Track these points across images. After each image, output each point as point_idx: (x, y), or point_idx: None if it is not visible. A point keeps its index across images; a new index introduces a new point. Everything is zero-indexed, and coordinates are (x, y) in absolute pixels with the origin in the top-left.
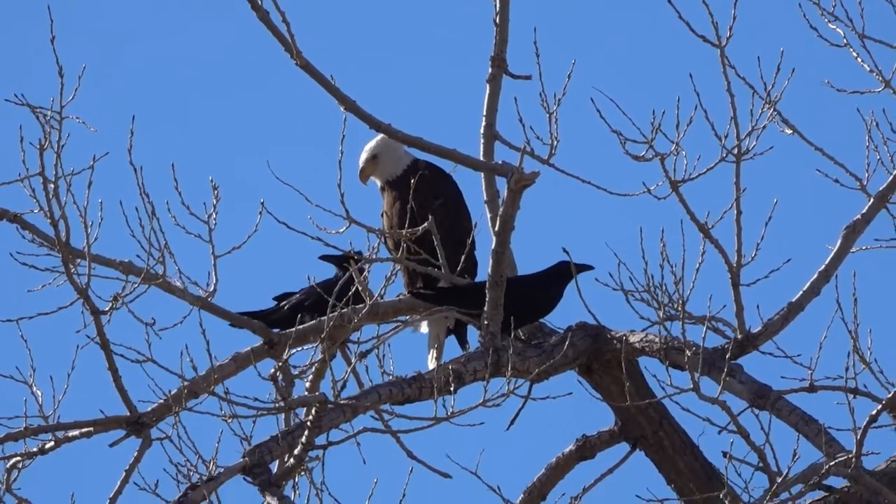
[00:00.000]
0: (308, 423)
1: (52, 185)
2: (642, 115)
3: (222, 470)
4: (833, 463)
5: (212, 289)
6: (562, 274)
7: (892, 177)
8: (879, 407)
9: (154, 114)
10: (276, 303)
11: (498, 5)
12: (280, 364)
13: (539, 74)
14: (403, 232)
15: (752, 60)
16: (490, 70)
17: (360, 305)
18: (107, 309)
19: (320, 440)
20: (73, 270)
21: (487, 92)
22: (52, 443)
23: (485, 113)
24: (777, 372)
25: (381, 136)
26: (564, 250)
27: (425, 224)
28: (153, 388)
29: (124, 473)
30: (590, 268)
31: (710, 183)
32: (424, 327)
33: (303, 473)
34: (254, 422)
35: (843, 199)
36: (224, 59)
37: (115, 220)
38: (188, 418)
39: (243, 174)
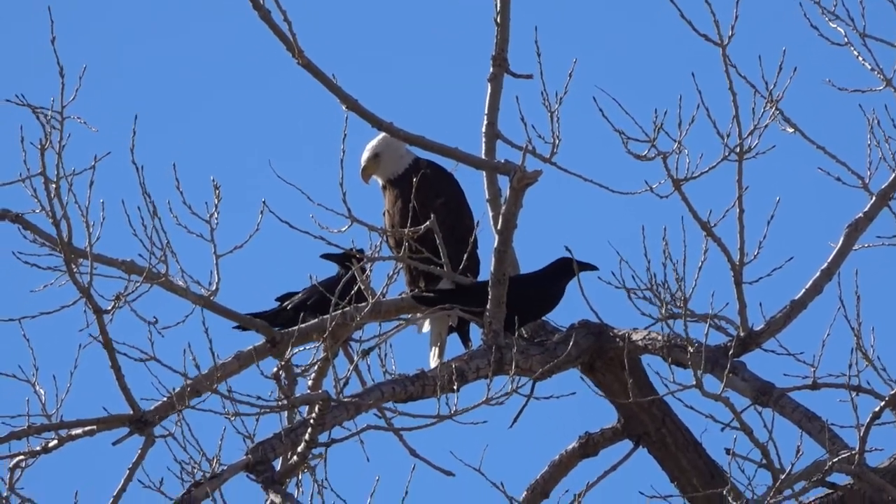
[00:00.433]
0: (311, 421)
1: (54, 185)
2: (644, 113)
3: (225, 467)
4: (836, 460)
5: (214, 288)
6: (564, 270)
7: (894, 175)
8: (882, 404)
9: (155, 113)
10: (278, 303)
11: (499, 4)
12: (283, 362)
13: (540, 73)
14: (405, 231)
15: (754, 59)
16: (491, 69)
17: (363, 304)
18: (109, 308)
19: (323, 438)
20: (75, 270)
21: (489, 91)
22: (56, 441)
23: (486, 112)
24: (780, 369)
25: (382, 134)
26: (567, 249)
27: (427, 223)
28: (156, 386)
29: (128, 471)
30: (593, 267)
31: (712, 181)
32: (426, 326)
33: (306, 471)
34: (257, 420)
35: (845, 197)
36: (226, 58)
37: (116, 220)
38: (191, 416)
39: (245, 173)
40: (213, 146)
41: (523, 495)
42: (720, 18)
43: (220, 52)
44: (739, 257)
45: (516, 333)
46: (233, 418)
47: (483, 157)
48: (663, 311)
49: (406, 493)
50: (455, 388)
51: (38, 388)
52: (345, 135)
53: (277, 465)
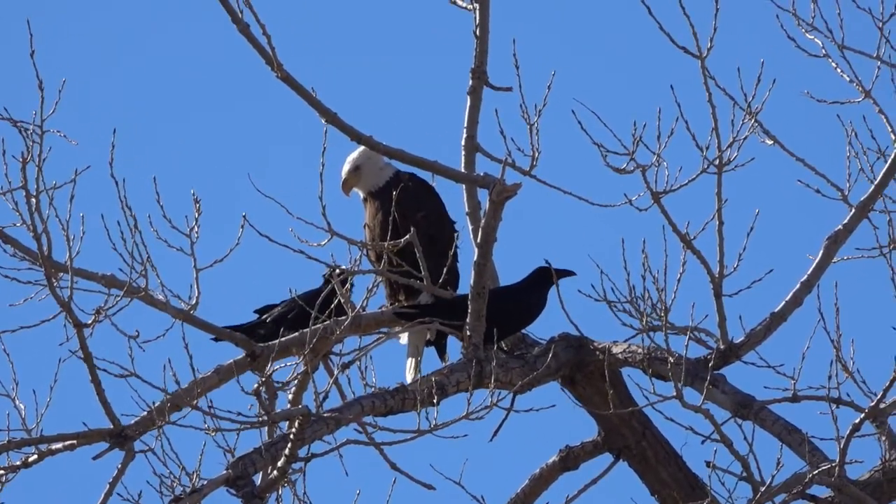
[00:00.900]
0: (291, 436)
1: (35, 199)
2: (623, 126)
3: (206, 482)
4: (816, 472)
5: (194, 302)
6: (542, 280)
7: (873, 187)
8: (862, 416)
9: (135, 127)
10: (257, 316)
11: (478, 17)
12: (263, 377)
13: (519, 86)
14: (385, 244)
15: (733, 71)
16: (470, 82)
17: (343, 317)
18: (89, 322)
19: (303, 452)
20: (55, 284)
21: (468, 104)
22: (36, 456)
23: (466, 125)
24: (760, 382)
25: (363, 147)
26: (546, 261)
27: (407, 236)
28: (136, 400)
29: (108, 486)
30: (571, 273)
31: (691, 194)
32: (404, 338)
33: (286, 485)
34: (237, 434)
35: (824, 209)
36: (204, 72)
37: (97, 234)
38: (172, 431)
39: (225, 187)
40: (192, 160)
41: None
42: (699, 31)
43: (199, 65)
44: (719, 270)
45: (496, 346)
46: (213, 433)
47: (462, 170)
48: (643, 324)
49: None
50: (435, 401)
51: (17, 402)
52: (324, 148)
53: (258, 479)
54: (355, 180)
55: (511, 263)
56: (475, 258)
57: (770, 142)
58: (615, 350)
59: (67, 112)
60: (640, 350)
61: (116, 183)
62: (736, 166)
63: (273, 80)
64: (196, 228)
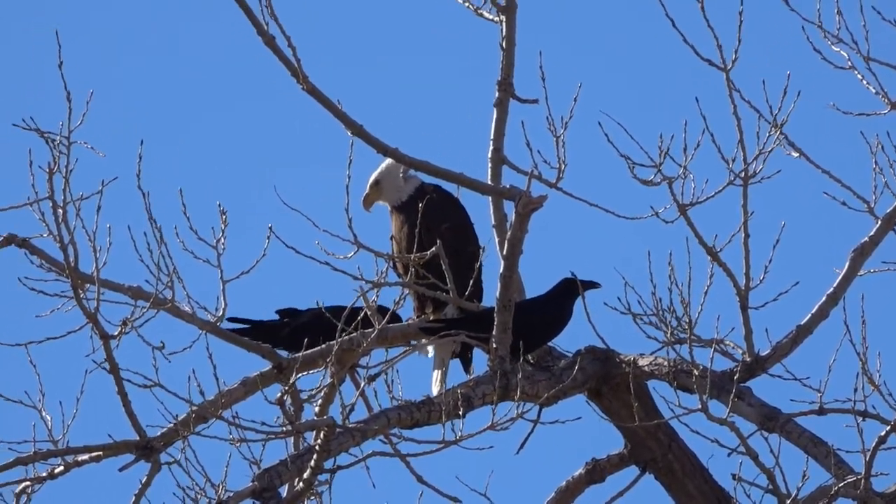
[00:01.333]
0: (317, 447)
1: (61, 210)
2: (650, 138)
3: (231, 494)
4: (842, 485)
5: (220, 314)
6: (568, 292)
7: None
8: (888, 428)
9: (162, 139)
10: (279, 317)
11: (504, 29)
12: (288, 388)
13: (546, 98)
14: (411, 256)
15: (758, 84)
16: (497, 94)
17: (369, 330)
18: (116, 333)
19: (329, 464)
20: (82, 295)
21: (494, 116)
22: (62, 467)
23: (492, 137)
24: (786, 395)
25: (384, 162)
26: (572, 273)
27: (433, 248)
28: (162, 412)
29: (134, 498)
30: (596, 285)
31: (717, 206)
32: (430, 351)
33: (312, 497)
34: (263, 446)
35: (850, 221)
36: (231, 83)
37: (123, 245)
38: (197, 442)
39: (251, 199)
40: (219, 172)
41: None
42: (723, 43)
43: (227, 77)
44: (745, 282)
45: (522, 359)
46: (238, 445)
47: (489, 182)
48: (669, 337)
49: None
50: (461, 413)
51: (44, 413)
52: (350, 160)
53: (283, 491)
54: (376, 195)
55: (537, 275)
56: (501, 270)
57: (796, 154)
58: (641, 363)
59: (95, 123)
60: (666, 363)
61: (143, 194)
62: (762, 178)
63: (299, 91)
64: (222, 240)
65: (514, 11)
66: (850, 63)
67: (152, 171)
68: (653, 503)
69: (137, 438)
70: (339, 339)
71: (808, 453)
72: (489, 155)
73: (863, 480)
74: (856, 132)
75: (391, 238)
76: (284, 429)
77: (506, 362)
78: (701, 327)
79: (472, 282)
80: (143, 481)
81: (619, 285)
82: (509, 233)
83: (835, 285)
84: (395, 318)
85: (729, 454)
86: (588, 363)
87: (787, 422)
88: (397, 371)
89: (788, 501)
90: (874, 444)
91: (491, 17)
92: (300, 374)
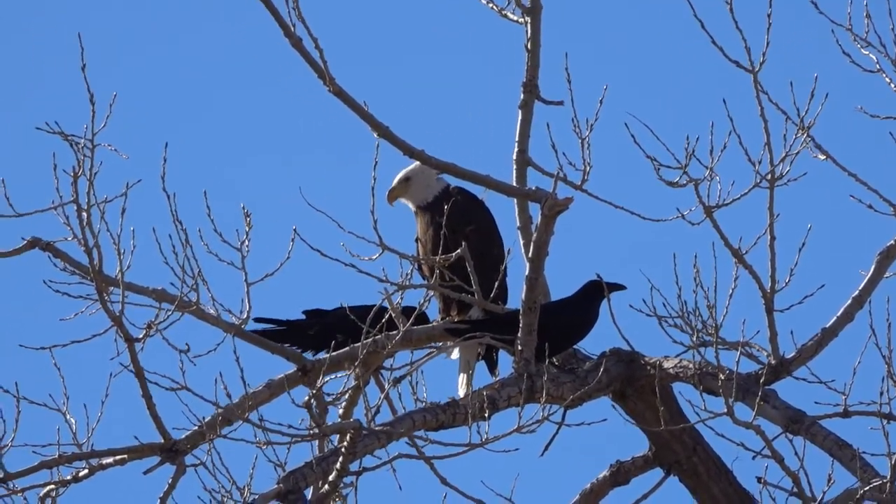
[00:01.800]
0: (342, 450)
1: (86, 213)
2: (676, 140)
3: (257, 496)
4: (868, 488)
5: (245, 316)
6: (594, 294)
7: None
8: None
9: (186, 141)
10: (305, 317)
11: (529, 31)
12: (314, 391)
13: (571, 100)
14: (436, 258)
15: (785, 86)
16: (522, 96)
17: (394, 332)
18: (140, 336)
19: (354, 466)
20: (106, 298)
21: (520, 118)
22: (86, 470)
23: (517, 139)
24: (811, 397)
25: (414, 163)
26: (597, 275)
27: (458, 250)
28: (187, 414)
29: (159, 501)
30: (621, 287)
31: (743, 208)
32: (456, 353)
33: (337, 500)
34: (288, 448)
35: (876, 224)
36: (256, 85)
37: (148, 248)
38: (222, 445)
39: (276, 201)
40: (244, 173)
41: None
42: (751, 45)
43: (253, 80)
44: (771, 285)
45: (547, 361)
46: (264, 447)
47: (514, 184)
48: (694, 339)
49: None
50: (486, 416)
51: (68, 416)
52: (376, 162)
53: (309, 493)
54: (402, 191)
55: (562, 278)
56: (527, 272)
57: (822, 157)
58: (666, 365)
59: (119, 126)
60: (691, 365)
61: (168, 197)
62: (788, 181)
63: (325, 93)
64: (247, 242)
65: (539, 13)
66: (878, 66)
67: (176, 173)
68: None
69: (162, 441)
70: (365, 342)
71: (833, 456)
72: (514, 157)
73: (888, 483)
74: (883, 135)
75: (416, 240)
76: (310, 431)
77: (531, 364)
78: (726, 330)
79: (497, 284)
80: (168, 484)
81: (644, 287)
82: (535, 235)
83: (860, 288)
84: (423, 317)
85: (754, 457)
86: (613, 365)
87: (812, 424)
88: (422, 373)
89: None
90: None
91: (516, 18)
92: (325, 377)
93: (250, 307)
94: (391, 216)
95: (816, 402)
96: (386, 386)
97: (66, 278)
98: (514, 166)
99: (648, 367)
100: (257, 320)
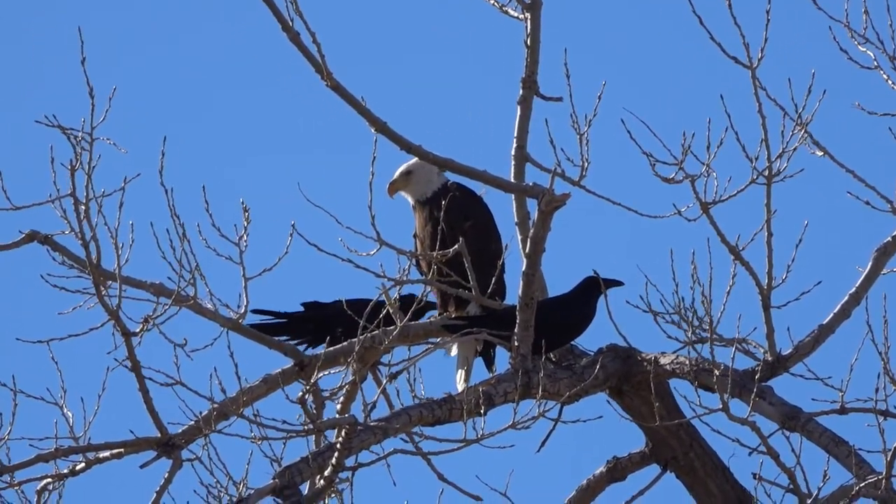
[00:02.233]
0: (338, 445)
1: (83, 207)
2: (673, 136)
3: (252, 491)
4: (863, 484)
5: (243, 311)
6: (591, 290)
7: None
8: None
9: (185, 135)
10: (303, 309)
11: (528, 27)
12: (309, 386)
13: (570, 96)
14: (433, 254)
15: (783, 82)
16: (521, 91)
17: (391, 327)
18: (138, 331)
19: (350, 462)
20: (103, 292)
21: (518, 113)
22: (83, 464)
23: (515, 134)
24: (807, 394)
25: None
26: (594, 271)
27: (455, 246)
28: (184, 409)
29: (155, 495)
30: (619, 283)
31: (740, 205)
32: (454, 349)
33: (333, 495)
34: (284, 443)
35: (873, 221)
36: (254, 80)
37: (145, 242)
38: (219, 440)
39: (274, 196)
40: (242, 168)
41: None
42: (750, 41)
43: (250, 75)
44: (767, 281)
45: (544, 357)
46: (259, 442)
47: (512, 179)
48: (690, 335)
49: None
50: (482, 411)
51: (65, 410)
52: (374, 157)
53: (304, 489)
54: (403, 184)
55: (560, 273)
56: (524, 268)
57: (820, 153)
58: (663, 361)
59: (117, 119)
60: (687, 361)
61: (166, 191)
62: (785, 177)
63: (323, 88)
64: (245, 237)
65: (539, 9)
66: (875, 63)
67: (175, 167)
68: (673, 502)
69: (159, 435)
70: (361, 337)
71: (829, 453)
72: (512, 152)
73: (884, 480)
74: (881, 132)
75: (414, 236)
76: (306, 427)
77: (527, 360)
78: (723, 326)
79: (494, 280)
80: (164, 478)
81: (641, 284)
82: (532, 231)
83: (857, 285)
84: (423, 308)
85: (750, 453)
86: (609, 361)
87: (808, 421)
88: (419, 369)
89: (809, 501)
90: None
91: (515, 14)
92: (322, 372)
93: (248, 302)
94: (389, 212)
95: (813, 399)
96: (383, 381)
97: (64, 272)
98: (513, 162)
99: (645, 364)
100: (255, 312)
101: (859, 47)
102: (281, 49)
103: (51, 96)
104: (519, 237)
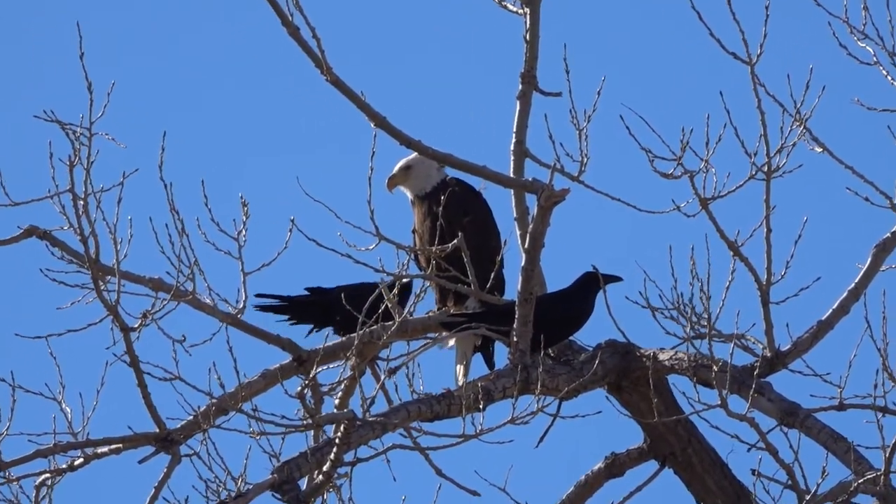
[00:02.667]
0: (337, 440)
1: (82, 202)
2: (672, 131)
3: (251, 486)
4: (862, 481)
5: (241, 306)
6: (590, 285)
7: None
8: None
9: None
10: (308, 293)
11: (528, 22)
12: (308, 381)
13: (569, 91)
14: (432, 249)
15: (782, 78)
16: (520, 87)
17: (390, 322)
18: (136, 326)
19: (349, 457)
20: (102, 287)
21: (517, 109)
22: (82, 459)
23: (515, 129)
24: (806, 390)
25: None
26: (594, 267)
27: (454, 241)
28: (182, 404)
29: (154, 490)
30: (618, 279)
31: (739, 200)
32: (452, 342)
33: (331, 490)
34: (282, 438)
35: (872, 217)
36: (254, 74)
37: (144, 237)
38: (217, 435)
39: (273, 190)
40: (241, 163)
41: None
42: (749, 37)
43: (250, 69)
44: (766, 277)
45: (543, 353)
46: (258, 437)
47: (511, 175)
48: (689, 331)
49: None
50: (481, 407)
51: (64, 405)
52: (373, 152)
53: (303, 484)
54: (402, 179)
55: (559, 269)
56: (523, 263)
57: (819, 149)
58: (661, 357)
59: (116, 114)
60: (686, 357)
61: (165, 186)
62: (784, 173)
63: (322, 82)
64: (244, 232)
65: (538, 4)
66: (875, 59)
67: (173, 162)
68: (672, 498)
69: (157, 431)
70: (360, 332)
71: (827, 449)
72: (512, 148)
73: (882, 477)
74: (880, 128)
75: (413, 231)
76: (304, 422)
77: (526, 356)
78: (722, 322)
79: (493, 275)
80: (163, 473)
81: (640, 279)
82: (531, 226)
83: (856, 281)
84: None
85: (748, 449)
86: (608, 357)
87: (806, 417)
88: (418, 364)
89: (808, 497)
90: (894, 440)
91: (515, 9)
92: (320, 367)
93: (247, 297)
94: (388, 207)
95: (811, 395)
96: (381, 376)
97: (63, 267)
98: (512, 157)
99: (644, 359)
100: (258, 296)
101: (859, 43)
102: (280, 44)
103: (49, 92)
104: (518, 232)
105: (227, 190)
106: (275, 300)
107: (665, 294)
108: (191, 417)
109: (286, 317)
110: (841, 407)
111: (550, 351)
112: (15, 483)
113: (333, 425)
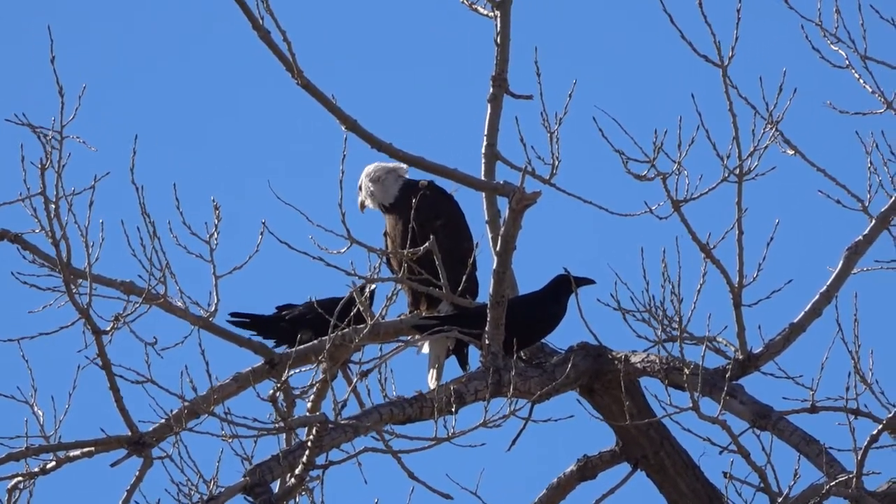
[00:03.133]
0: (309, 443)
1: (54, 205)
2: (644, 134)
3: (223, 489)
4: (834, 483)
5: (213, 309)
6: (562, 288)
7: (893, 198)
8: (880, 427)
9: (155, 133)
10: (277, 311)
11: (499, 25)
12: (280, 384)
13: (540, 94)
14: (404, 252)
15: (755, 81)
16: (491, 89)
17: (362, 325)
18: (108, 329)
19: (321, 460)
20: (74, 290)
21: (488, 111)
22: (54, 463)
23: (486, 132)
24: (778, 392)
25: (366, 168)
26: (565, 270)
27: (426, 244)
28: (154, 407)
29: (126, 493)
30: (591, 281)
31: (711, 203)
32: (426, 347)
33: (304, 493)
34: (255, 441)
35: (844, 220)
36: (225, 78)
37: (116, 240)
38: (189, 438)
39: (245, 194)
40: (212, 166)
41: None
42: (721, 39)
43: (220, 71)
44: (738, 279)
45: (515, 355)
46: (230, 440)
47: (482, 178)
48: (660, 334)
49: None
50: (453, 410)
51: (36, 409)
52: (344, 155)
53: (275, 487)
54: (371, 200)
55: (531, 272)
56: (494, 266)
57: (791, 151)
58: (633, 360)
59: (87, 118)
60: (658, 360)
61: (136, 189)
62: (756, 175)
63: (293, 86)
64: (215, 235)
65: (509, 6)
66: (847, 62)
67: (145, 165)
68: (644, 501)
69: (129, 434)
70: (332, 335)
71: (799, 451)
72: (483, 151)
73: (854, 479)
74: (852, 131)
75: (385, 234)
76: (276, 425)
77: (498, 359)
78: (693, 324)
79: (465, 278)
80: (135, 476)
81: (611, 282)
82: (503, 229)
83: (828, 283)
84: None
85: (720, 452)
86: (580, 360)
87: (779, 420)
88: (390, 367)
89: (780, 500)
90: (866, 442)
91: (485, 12)
92: (292, 371)
93: (218, 300)
94: (358, 210)
95: (784, 398)
96: (353, 379)
97: (35, 270)
98: (483, 160)
99: (616, 362)
100: (233, 315)
101: (831, 46)
102: (252, 47)
103: (21, 95)
104: (490, 235)
105: (198, 193)
106: (245, 319)
107: (637, 296)
108: (163, 420)
109: (254, 332)
110: (813, 409)
111: (522, 354)
112: None
113: (305, 428)
